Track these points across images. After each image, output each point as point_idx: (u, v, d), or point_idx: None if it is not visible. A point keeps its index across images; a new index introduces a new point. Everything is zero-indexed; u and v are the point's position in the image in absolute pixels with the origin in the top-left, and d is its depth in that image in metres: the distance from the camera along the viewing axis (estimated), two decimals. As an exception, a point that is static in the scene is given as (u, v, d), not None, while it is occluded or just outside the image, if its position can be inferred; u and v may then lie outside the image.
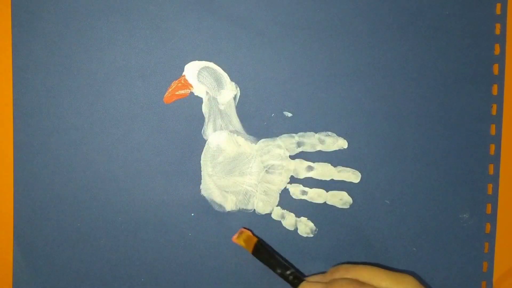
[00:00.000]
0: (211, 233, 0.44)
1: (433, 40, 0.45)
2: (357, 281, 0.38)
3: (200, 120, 0.44)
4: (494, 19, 0.46)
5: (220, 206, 0.45)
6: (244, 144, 0.45)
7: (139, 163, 0.44)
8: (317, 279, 0.40)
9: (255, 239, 0.43)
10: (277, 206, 0.45)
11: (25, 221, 0.43)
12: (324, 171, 0.45)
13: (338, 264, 0.42)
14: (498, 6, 0.45)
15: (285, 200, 0.45)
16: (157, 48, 0.44)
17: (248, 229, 0.44)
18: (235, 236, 0.43)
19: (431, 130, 0.45)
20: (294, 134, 0.45)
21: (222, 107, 0.44)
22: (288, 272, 0.41)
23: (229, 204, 0.45)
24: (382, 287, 0.37)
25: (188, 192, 0.44)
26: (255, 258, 0.43)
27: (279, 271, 0.41)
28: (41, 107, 0.43)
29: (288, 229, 0.45)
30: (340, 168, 0.45)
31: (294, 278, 0.41)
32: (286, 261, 0.44)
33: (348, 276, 0.39)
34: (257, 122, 0.45)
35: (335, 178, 0.45)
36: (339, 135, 0.45)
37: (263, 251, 0.42)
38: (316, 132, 0.45)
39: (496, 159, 0.46)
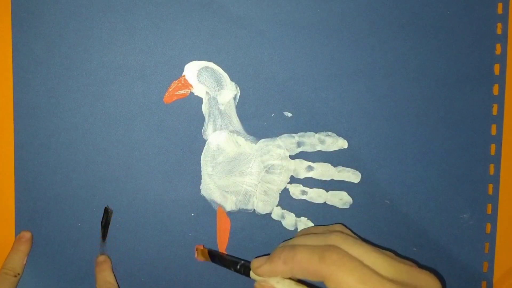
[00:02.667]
0: (211, 233, 0.45)
1: (434, 40, 0.45)
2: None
3: (200, 120, 0.44)
4: (496, 19, 0.45)
5: (220, 206, 0.45)
6: (244, 144, 0.45)
7: (139, 163, 0.44)
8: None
9: (206, 250, 0.43)
10: (277, 206, 0.45)
11: (26, 221, 0.43)
12: (324, 171, 0.45)
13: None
14: (500, 5, 0.45)
15: (285, 200, 0.45)
16: (157, 48, 0.44)
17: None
18: (196, 256, 0.44)
19: (432, 130, 0.45)
20: (294, 134, 0.45)
21: (222, 107, 0.44)
22: (238, 266, 0.40)
23: (229, 204, 0.45)
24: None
25: (188, 192, 0.44)
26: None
27: (232, 268, 0.40)
28: (41, 107, 0.43)
29: (288, 229, 0.45)
30: (340, 168, 0.45)
31: (244, 267, 0.39)
32: (238, 258, 0.42)
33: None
34: (257, 122, 0.44)
35: (335, 178, 0.45)
36: (339, 135, 0.45)
37: (216, 256, 0.42)
38: (316, 132, 0.45)
39: (496, 159, 0.46)
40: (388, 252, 0.35)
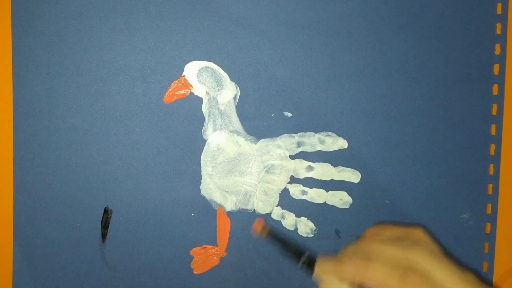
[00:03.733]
0: (211, 233, 0.45)
1: (433, 40, 0.45)
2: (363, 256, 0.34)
3: (200, 120, 0.44)
4: (495, 19, 0.45)
5: (220, 206, 0.45)
6: (244, 144, 0.45)
7: (139, 163, 0.44)
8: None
9: (267, 229, 0.41)
10: (277, 206, 0.45)
11: (25, 221, 0.43)
12: (324, 171, 0.45)
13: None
14: (499, 5, 0.45)
15: (285, 200, 0.45)
16: (157, 48, 0.44)
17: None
18: (256, 230, 0.42)
19: (431, 130, 0.45)
20: (294, 134, 0.45)
21: (222, 107, 0.44)
22: (301, 262, 0.37)
23: (229, 204, 0.45)
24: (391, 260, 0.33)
25: (188, 192, 0.44)
26: (254, 259, 0.43)
27: (295, 260, 0.38)
28: (41, 107, 0.43)
29: (288, 229, 0.45)
30: (340, 168, 0.45)
31: (308, 262, 0.37)
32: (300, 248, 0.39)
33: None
34: (257, 122, 0.44)
35: (335, 178, 0.45)
36: (339, 135, 0.45)
37: (276, 237, 0.40)
38: (316, 132, 0.45)
39: (496, 159, 0.46)
40: (469, 275, 0.33)
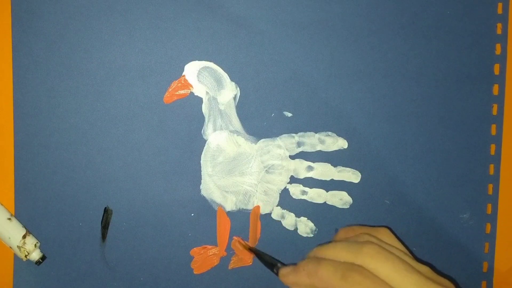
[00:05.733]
0: (211, 233, 0.45)
1: (433, 40, 0.45)
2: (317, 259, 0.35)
3: (200, 120, 0.44)
4: (496, 19, 0.45)
5: (220, 206, 0.45)
6: (244, 144, 0.45)
7: (139, 163, 0.44)
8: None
9: (247, 245, 0.44)
10: (277, 206, 0.45)
11: (26, 221, 0.43)
12: (324, 171, 0.45)
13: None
14: (500, 5, 0.45)
15: (285, 200, 0.45)
16: (157, 48, 0.44)
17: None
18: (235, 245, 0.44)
19: (431, 130, 0.45)
20: (294, 134, 0.45)
21: (222, 107, 0.44)
22: (274, 269, 0.40)
23: (229, 204, 0.45)
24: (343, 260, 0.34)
25: (188, 192, 0.44)
26: (254, 258, 0.44)
27: (269, 268, 0.41)
28: (41, 107, 0.43)
29: (288, 229, 0.45)
30: (340, 168, 0.45)
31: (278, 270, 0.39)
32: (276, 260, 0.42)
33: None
34: (257, 122, 0.44)
35: (335, 178, 0.45)
36: (339, 135, 0.45)
37: (255, 251, 0.43)
38: (316, 132, 0.45)
39: (496, 159, 0.46)
40: (423, 269, 0.33)
